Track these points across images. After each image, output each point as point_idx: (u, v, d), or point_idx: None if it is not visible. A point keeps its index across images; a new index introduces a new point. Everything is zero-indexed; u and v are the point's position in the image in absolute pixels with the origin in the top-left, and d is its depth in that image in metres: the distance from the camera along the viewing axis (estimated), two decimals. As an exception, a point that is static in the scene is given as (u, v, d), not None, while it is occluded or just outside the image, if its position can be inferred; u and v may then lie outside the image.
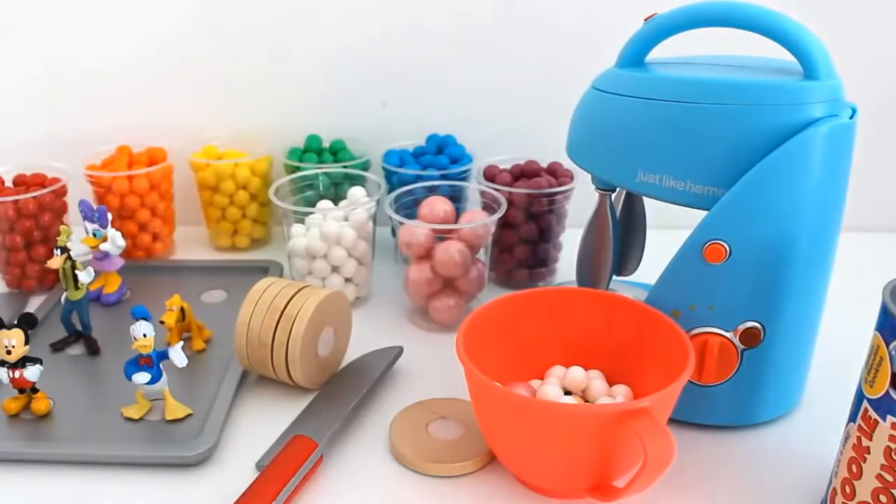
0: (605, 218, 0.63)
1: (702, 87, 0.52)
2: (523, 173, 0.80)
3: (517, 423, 0.49)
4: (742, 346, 0.54)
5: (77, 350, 0.69)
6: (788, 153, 0.49)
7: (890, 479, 0.43)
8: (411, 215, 0.74)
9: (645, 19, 0.57)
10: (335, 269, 0.75)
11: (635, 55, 0.57)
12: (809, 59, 0.51)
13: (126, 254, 0.78)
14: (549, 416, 0.47)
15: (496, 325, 0.57)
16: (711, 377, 0.55)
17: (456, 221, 0.72)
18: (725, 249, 0.51)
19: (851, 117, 0.51)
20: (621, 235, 0.66)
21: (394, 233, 0.82)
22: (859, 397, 0.45)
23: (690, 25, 0.54)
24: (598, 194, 0.63)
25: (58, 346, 0.69)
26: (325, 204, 0.76)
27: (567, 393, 0.57)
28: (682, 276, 0.54)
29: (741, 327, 0.54)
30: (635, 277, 0.71)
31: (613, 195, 0.64)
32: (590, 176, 0.61)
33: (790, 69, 0.53)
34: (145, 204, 0.84)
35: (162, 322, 0.65)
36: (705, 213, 0.52)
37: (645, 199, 0.67)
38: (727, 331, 0.54)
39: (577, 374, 0.56)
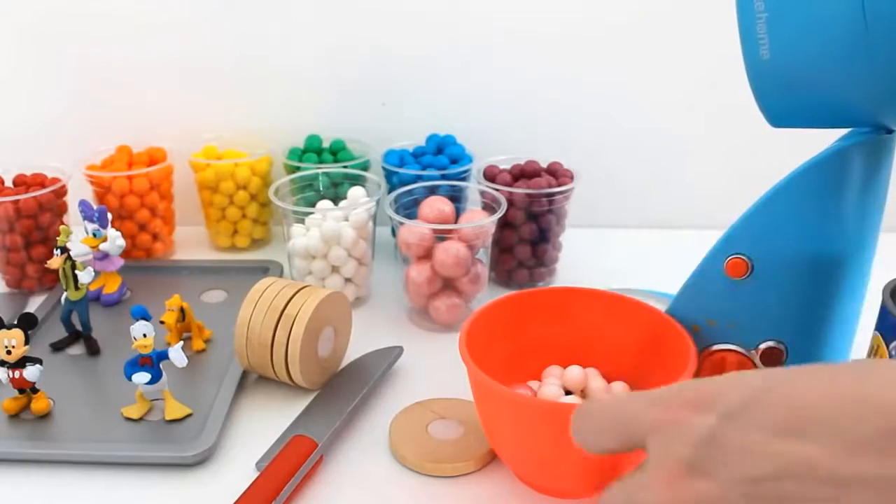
0: None
1: None
2: (523, 173, 0.80)
3: (521, 423, 0.49)
4: (763, 367, 0.50)
5: (77, 350, 0.69)
6: (822, 163, 0.46)
7: (890, 479, 0.43)
8: (411, 215, 0.74)
9: None
10: (335, 269, 0.74)
11: None
12: None
13: (126, 254, 0.78)
14: (551, 415, 0.47)
15: (498, 326, 0.57)
16: None
17: (456, 221, 0.72)
18: (747, 264, 0.49)
19: (890, 132, 0.48)
20: None
21: (394, 233, 0.82)
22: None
23: None
24: None
25: (58, 346, 0.69)
26: (325, 204, 0.76)
27: (568, 393, 0.57)
28: (701, 290, 0.52)
29: (762, 347, 0.51)
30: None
31: None
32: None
33: None
34: (145, 204, 0.84)
35: (162, 322, 0.65)
36: (721, 231, 0.50)
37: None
38: (748, 350, 0.52)
39: (575, 372, 0.56)
